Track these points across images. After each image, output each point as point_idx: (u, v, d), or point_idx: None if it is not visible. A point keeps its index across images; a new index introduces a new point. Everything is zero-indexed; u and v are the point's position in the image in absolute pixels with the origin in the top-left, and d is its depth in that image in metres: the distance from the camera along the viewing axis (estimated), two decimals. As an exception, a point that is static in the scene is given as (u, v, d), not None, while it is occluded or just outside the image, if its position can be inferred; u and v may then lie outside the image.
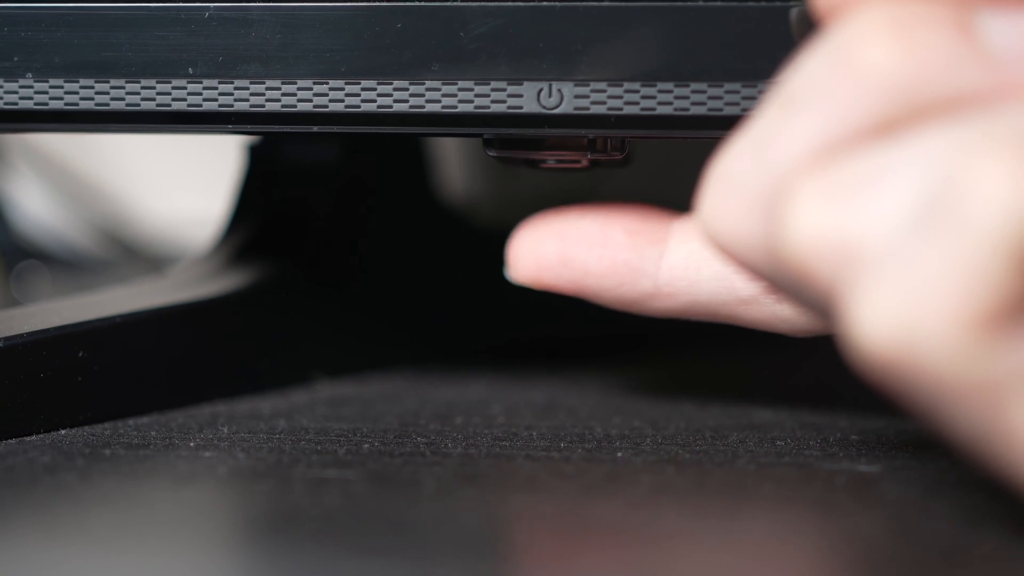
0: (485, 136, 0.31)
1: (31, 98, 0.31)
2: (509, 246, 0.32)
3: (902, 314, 0.20)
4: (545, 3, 0.29)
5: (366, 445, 0.31)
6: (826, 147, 0.22)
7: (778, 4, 0.28)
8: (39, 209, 0.70)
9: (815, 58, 0.22)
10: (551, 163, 0.32)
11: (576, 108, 0.29)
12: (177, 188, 0.74)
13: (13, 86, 0.31)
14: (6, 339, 0.32)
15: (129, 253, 0.67)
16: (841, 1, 0.23)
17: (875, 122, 0.22)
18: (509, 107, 0.30)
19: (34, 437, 0.32)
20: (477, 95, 0.30)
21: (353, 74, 0.30)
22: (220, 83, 0.30)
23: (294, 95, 0.30)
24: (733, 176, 0.23)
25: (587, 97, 0.29)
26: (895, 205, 0.21)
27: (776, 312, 0.30)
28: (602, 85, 0.29)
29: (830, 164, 0.22)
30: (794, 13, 0.28)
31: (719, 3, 0.28)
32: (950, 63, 0.22)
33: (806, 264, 0.22)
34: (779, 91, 0.23)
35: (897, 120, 0.22)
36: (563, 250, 0.31)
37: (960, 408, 0.20)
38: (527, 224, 0.32)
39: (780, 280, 0.23)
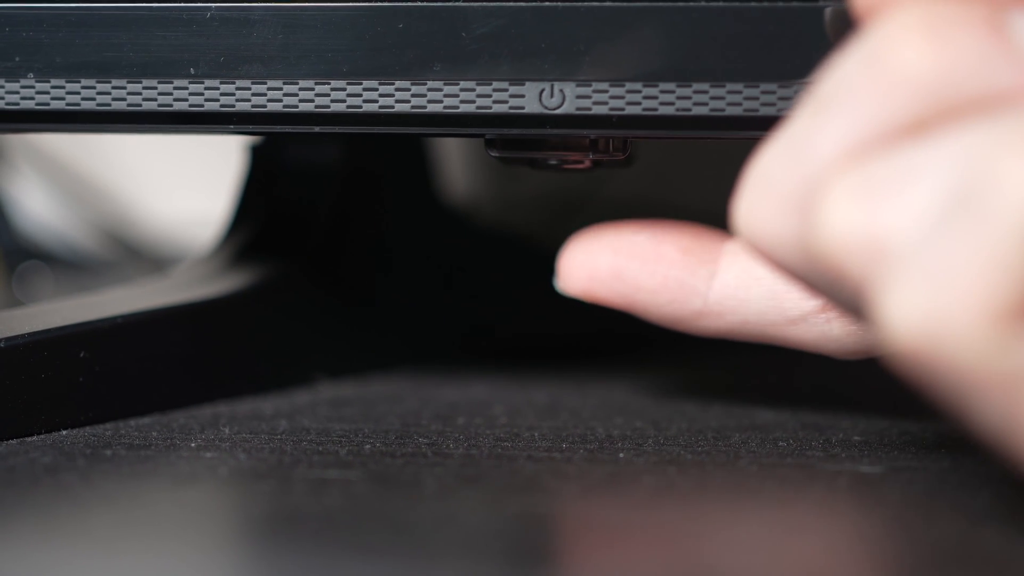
0: (487, 136, 0.31)
1: (32, 98, 0.31)
2: (560, 257, 0.32)
3: (929, 307, 0.21)
4: (547, 3, 0.29)
5: (367, 446, 0.31)
6: (860, 147, 0.22)
7: (780, 5, 0.28)
8: (41, 210, 0.70)
9: (849, 60, 0.23)
10: (553, 163, 0.32)
11: (578, 108, 0.29)
12: (180, 189, 0.74)
13: (15, 86, 0.31)
14: (7, 339, 0.31)
15: (132, 254, 0.67)
16: (877, 1, 0.23)
17: (908, 122, 0.22)
18: (511, 107, 0.30)
19: (35, 438, 0.32)
20: (479, 95, 0.30)
21: (355, 74, 0.30)
22: (222, 83, 0.30)
23: (296, 95, 0.30)
24: (769, 177, 0.23)
25: (589, 97, 0.29)
26: (924, 202, 0.21)
27: (825, 332, 0.30)
28: (604, 85, 0.29)
29: (863, 163, 0.22)
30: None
31: (721, 3, 0.28)
32: (981, 63, 0.22)
33: (838, 260, 0.22)
34: (814, 93, 0.23)
35: (930, 119, 0.22)
36: (616, 264, 0.31)
37: (985, 400, 0.21)
38: (579, 236, 0.32)
39: (814, 279, 0.24)
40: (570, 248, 0.32)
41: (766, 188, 0.23)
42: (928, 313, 0.21)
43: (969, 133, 0.21)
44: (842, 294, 0.23)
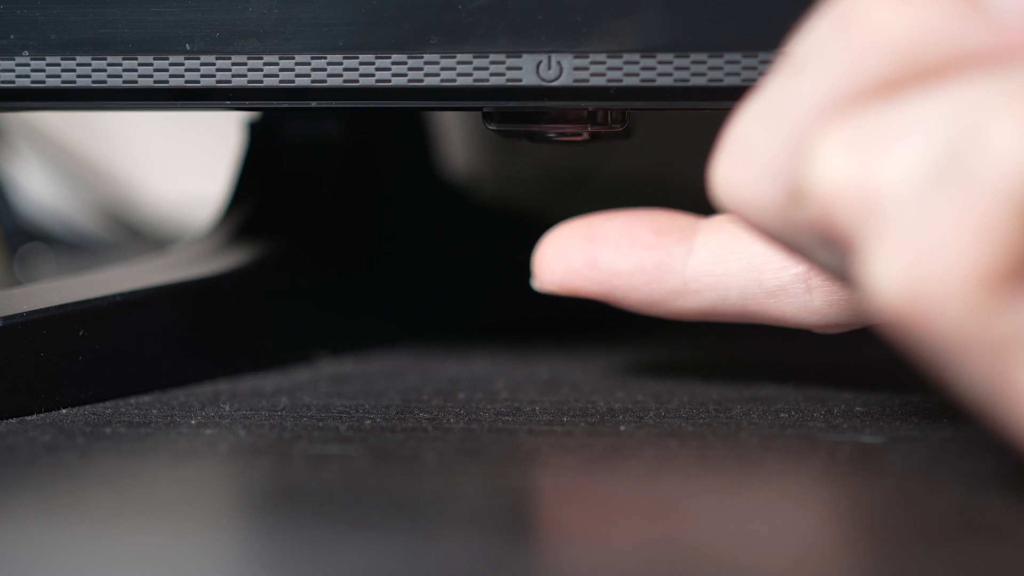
0: (485, 110, 0.31)
1: (28, 76, 0.31)
2: (535, 254, 0.32)
3: (914, 269, 0.20)
4: (543, -26, 0.29)
5: (368, 421, 0.31)
6: (836, 106, 0.22)
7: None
8: (42, 191, 0.69)
9: (821, 23, 0.23)
10: (551, 136, 0.32)
11: (575, 80, 0.29)
12: (182, 169, 0.74)
13: (9, 64, 0.31)
14: (5, 318, 0.31)
15: (133, 235, 0.66)
16: None
17: (879, 82, 0.22)
18: (508, 80, 0.29)
19: (35, 416, 0.32)
20: (476, 68, 0.29)
21: (351, 48, 0.30)
22: (218, 59, 0.30)
23: (292, 70, 0.30)
24: (745, 141, 0.24)
25: (586, 69, 0.29)
26: (916, 156, 0.21)
27: (806, 303, 0.30)
28: (601, 57, 0.29)
29: (852, 117, 0.22)
30: None
31: (718, -28, 0.28)
32: (953, 24, 0.22)
33: (829, 210, 0.22)
34: (788, 57, 0.23)
35: (902, 80, 0.22)
36: (590, 253, 0.31)
37: (968, 366, 0.21)
38: (552, 232, 0.32)
39: (796, 240, 0.24)
40: (542, 244, 0.32)
41: (744, 151, 0.24)
42: (913, 276, 0.20)
43: (959, 91, 0.21)
44: (825, 254, 0.23)
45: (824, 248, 0.23)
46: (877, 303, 0.21)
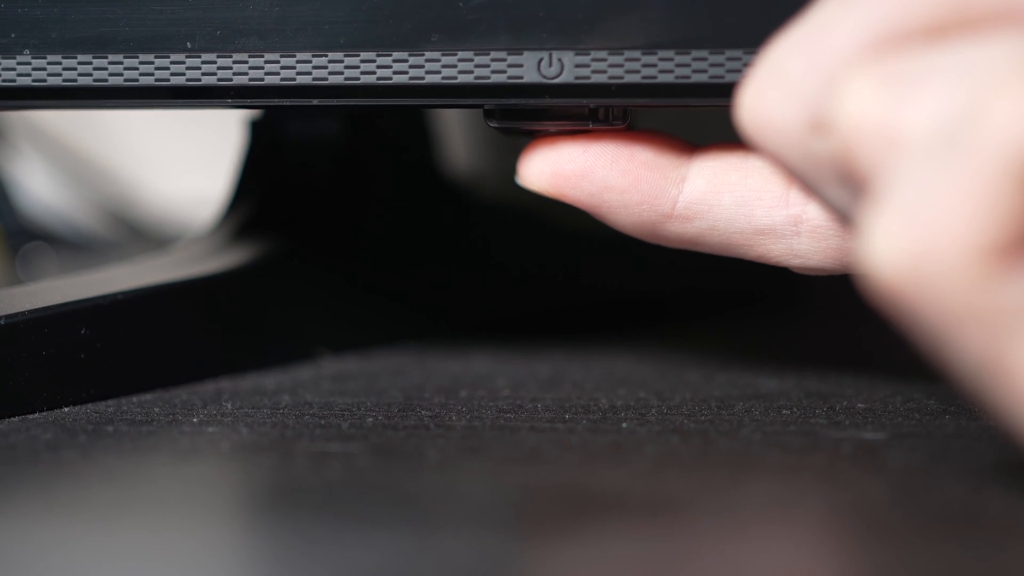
0: (486, 107, 0.31)
1: (29, 75, 0.31)
2: (523, 153, 0.31)
3: (912, 240, 0.20)
4: (544, -29, 0.29)
5: (370, 419, 0.31)
6: (879, 43, 0.22)
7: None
8: (44, 190, 0.69)
9: None
10: (553, 133, 0.32)
11: (577, 77, 0.29)
12: (183, 168, 0.74)
13: (11, 63, 0.31)
14: (8, 317, 0.31)
15: (135, 234, 0.67)
16: None
17: (925, 24, 0.22)
18: (509, 77, 0.29)
19: (37, 415, 0.32)
20: (477, 65, 0.29)
21: (352, 46, 0.30)
22: (219, 57, 0.30)
23: (293, 68, 0.30)
24: (781, 66, 0.24)
25: (588, 66, 0.29)
26: (934, 110, 0.21)
27: (791, 246, 0.30)
28: (603, 54, 0.29)
29: (890, 56, 0.22)
30: None
31: (719, -31, 0.28)
32: None
33: (850, 144, 0.22)
34: None
35: (948, 26, 0.22)
36: (585, 162, 0.30)
37: (962, 339, 0.21)
38: (544, 137, 0.31)
39: (809, 171, 0.24)
40: (534, 145, 0.31)
41: (778, 77, 0.23)
42: (911, 246, 0.20)
43: (977, 52, 0.21)
44: (835, 191, 0.23)
45: (836, 185, 0.23)
46: (874, 275, 0.21)
